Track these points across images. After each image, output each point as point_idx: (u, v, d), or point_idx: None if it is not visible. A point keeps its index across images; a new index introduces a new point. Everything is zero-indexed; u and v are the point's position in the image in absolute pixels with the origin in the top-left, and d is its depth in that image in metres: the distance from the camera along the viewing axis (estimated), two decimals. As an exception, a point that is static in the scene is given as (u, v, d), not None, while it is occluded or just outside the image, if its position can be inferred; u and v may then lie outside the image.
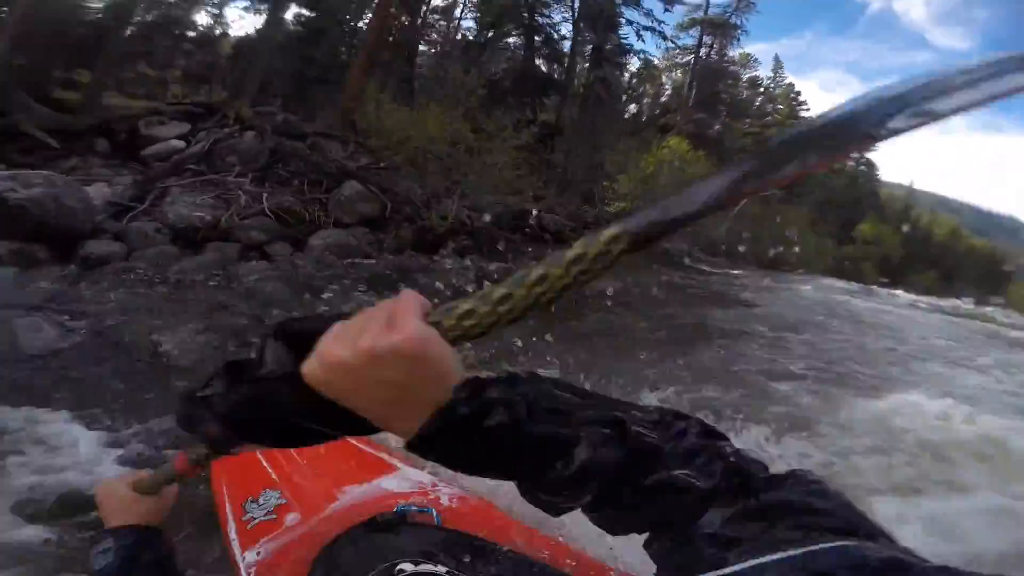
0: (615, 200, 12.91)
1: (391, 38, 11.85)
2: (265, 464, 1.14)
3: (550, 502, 0.38)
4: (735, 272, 12.05)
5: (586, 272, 0.34)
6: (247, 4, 14.83)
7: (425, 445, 0.34)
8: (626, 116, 20.81)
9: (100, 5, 9.32)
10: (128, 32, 9.63)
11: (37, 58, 6.48)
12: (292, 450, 1.11)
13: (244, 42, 12.48)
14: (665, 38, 18.86)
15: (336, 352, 0.33)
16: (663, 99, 23.04)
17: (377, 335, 0.32)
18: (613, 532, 0.40)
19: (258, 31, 11.65)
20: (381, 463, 1.10)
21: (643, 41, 18.03)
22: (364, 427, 0.36)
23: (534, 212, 10.55)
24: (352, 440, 1.18)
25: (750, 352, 4.38)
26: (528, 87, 16.00)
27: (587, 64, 16.70)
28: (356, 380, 0.33)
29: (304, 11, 13.18)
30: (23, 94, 5.74)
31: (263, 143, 7.13)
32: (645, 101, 23.01)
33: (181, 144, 6.85)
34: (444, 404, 0.33)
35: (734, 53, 22.75)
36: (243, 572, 0.88)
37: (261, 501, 1.04)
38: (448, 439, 0.34)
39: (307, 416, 0.36)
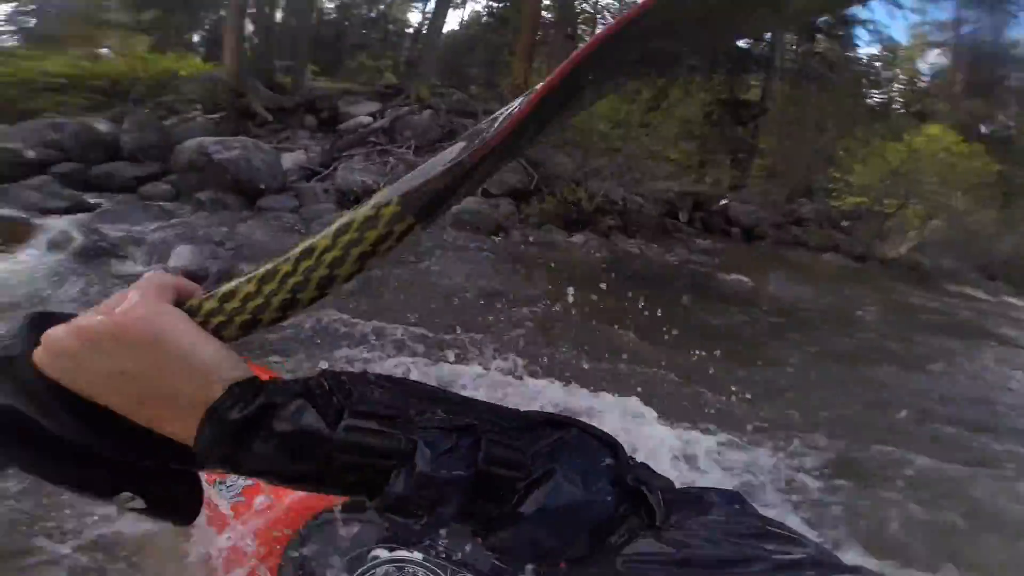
0: (847, 194, 10.23)
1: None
2: None
3: (402, 522, 0.32)
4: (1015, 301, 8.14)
5: (360, 244, 0.32)
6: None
7: (204, 452, 0.30)
8: (868, 101, 17.14)
9: (332, 6, 10.91)
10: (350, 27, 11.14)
11: (268, 50, 7.94)
12: None
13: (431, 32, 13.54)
14: (899, 6, 15.12)
15: (58, 332, 0.31)
16: (921, 84, 18.49)
17: (101, 316, 0.30)
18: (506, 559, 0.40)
19: (429, 22, 12.44)
20: None
21: (871, 12, 14.66)
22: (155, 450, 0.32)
23: (722, 201, 9.29)
24: None
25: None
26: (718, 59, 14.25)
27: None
28: (79, 364, 0.30)
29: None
30: (254, 79, 7.05)
31: (437, 119, 7.60)
32: (895, 87, 18.76)
33: (368, 119, 7.62)
34: (210, 405, 0.30)
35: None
36: (214, 556, 0.88)
37: (228, 483, 1.00)
38: (226, 447, 0.30)
39: (43, 408, 0.30)
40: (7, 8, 15.89)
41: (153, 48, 12.93)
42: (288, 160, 6.04)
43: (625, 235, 6.27)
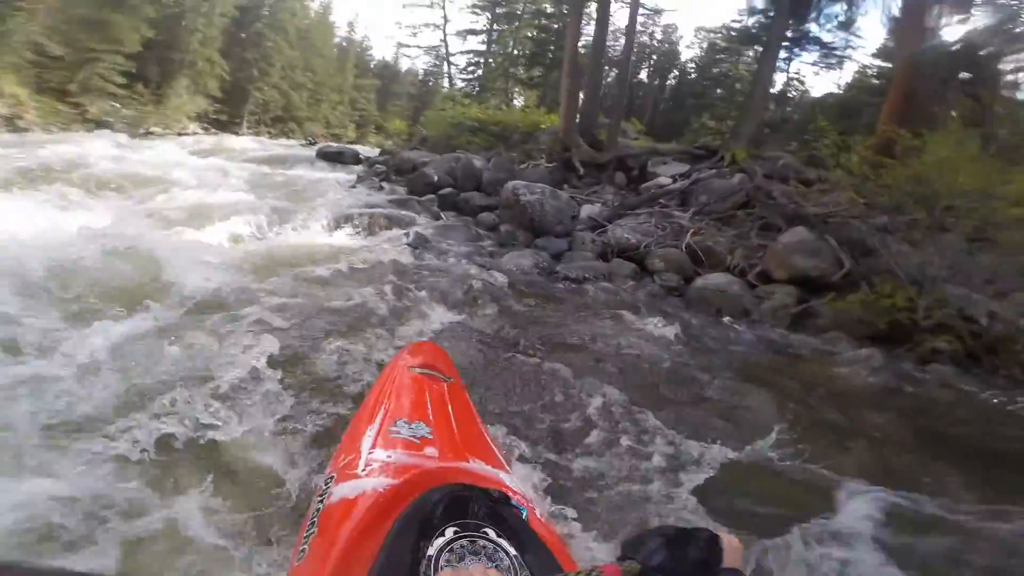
0: None
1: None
2: (428, 403, 1.32)
3: None
4: None
5: None
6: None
7: None
8: None
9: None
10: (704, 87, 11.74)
11: (593, 110, 9.23)
12: (451, 407, 1.33)
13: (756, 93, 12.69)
14: None
15: None
16: None
17: None
18: None
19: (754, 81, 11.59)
20: (499, 463, 1.19)
21: None
22: None
23: None
24: (487, 436, 1.34)
25: None
26: None
27: None
28: None
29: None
30: (578, 136, 8.43)
31: (746, 184, 7.30)
32: None
33: (668, 180, 8.09)
34: None
35: None
36: (362, 459, 1.05)
37: (412, 425, 1.18)
38: None
39: None
40: (464, 60, 22.68)
41: (539, 102, 16.52)
42: (586, 211, 7.08)
43: (956, 365, 4.21)
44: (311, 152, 16.18)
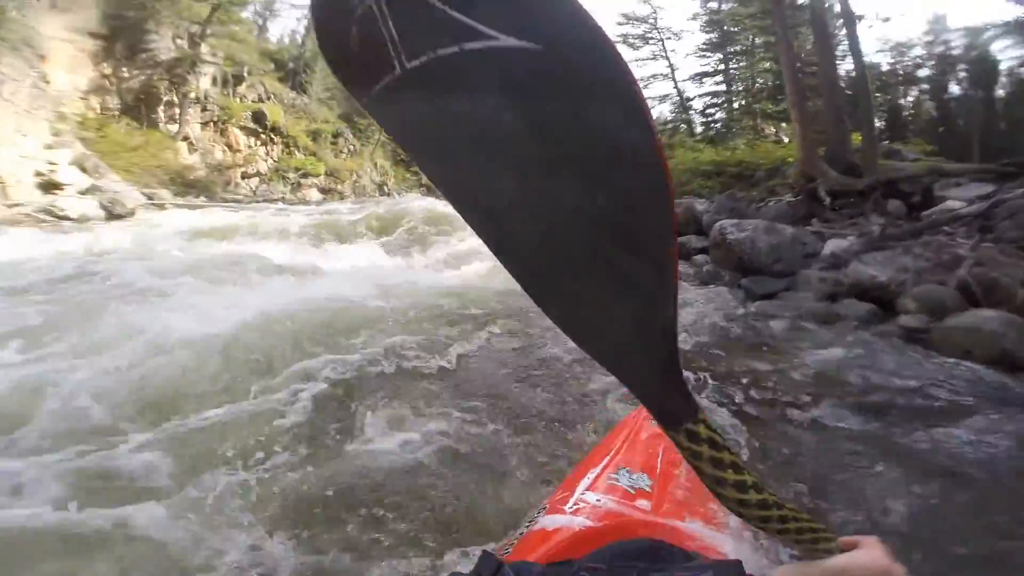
0: None
1: None
2: (660, 457, 1.28)
3: None
4: None
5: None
6: None
7: None
8: None
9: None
10: None
11: (842, 132, 7.62)
12: (686, 464, 1.47)
13: None
14: None
15: None
16: None
17: None
18: None
19: None
20: (730, 525, 1.12)
21: None
22: None
23: None
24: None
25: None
26: None
27: None
28: None
29: None
30: (821, 163, 7.12)
31: None
32: None
33: (959, 204, 6.22)
34: None
35: None
36: (574, 497, 1.07)
37: (634, 476, 1.17)
38: None
39: None
40: (701, 103, 21.87)
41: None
42: (832, 246, 6.04)
43: None
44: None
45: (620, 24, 24.15)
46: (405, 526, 1.70)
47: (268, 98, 22.80)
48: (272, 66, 25.48)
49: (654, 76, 23.57)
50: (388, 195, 23.86)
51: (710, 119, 21.20)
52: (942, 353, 3.50)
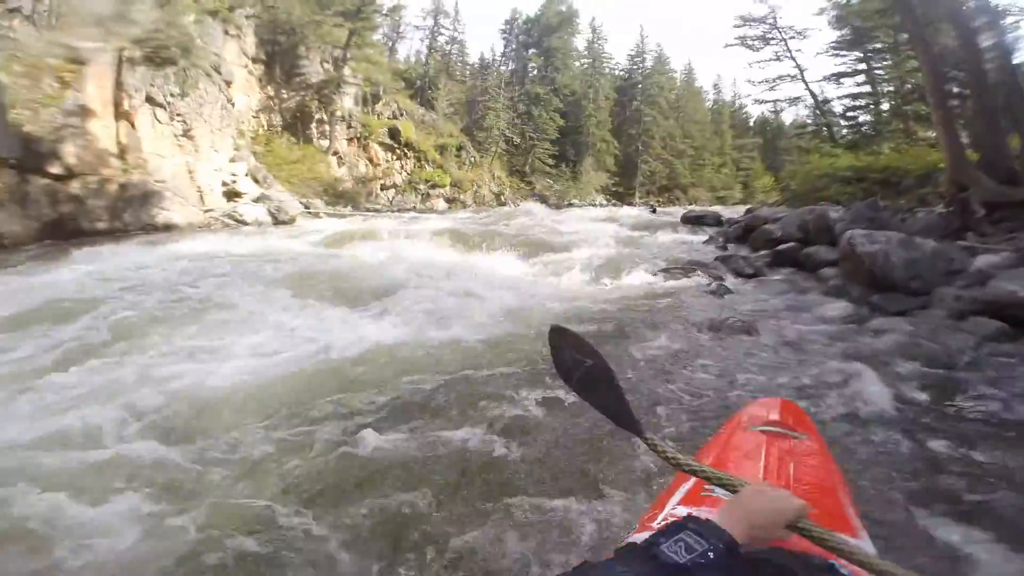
0: None
1: None
2: (762, 460, 1.22)
3: None
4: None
5: None
6: None
7: None
8: None
9: None
10: None
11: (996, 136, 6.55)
12: (792, 466, 1.20)
13: None
14: None
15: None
16: None
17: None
18: None
19: None
20: (848, 523, 1.07)
21: None
22: None
23: None
24: (841, 499, 1.18)
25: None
26: None
27: None
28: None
29: None
30: (975, 171, 6.26)
31: None
32: None
33: None
34: None
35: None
36: (663, 512, 1.05)
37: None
38: None
39: None
40: (841, 105, 19.79)
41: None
42: (982, 262, 5.45)
43: None
44: (677, 218, 17.57)
45: (737, 27, 22.91)
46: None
47: (401, 115, 25.09)
48: (403, 84, 27.98)
49: (780, 77, 21.97)
50: (504, 204, 24.99)
51: (853, 122, 19.20)
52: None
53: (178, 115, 12.20)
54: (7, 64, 9.79)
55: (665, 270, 6.61)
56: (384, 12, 25.69)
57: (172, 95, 12.07)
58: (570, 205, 31.46)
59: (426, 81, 31.00)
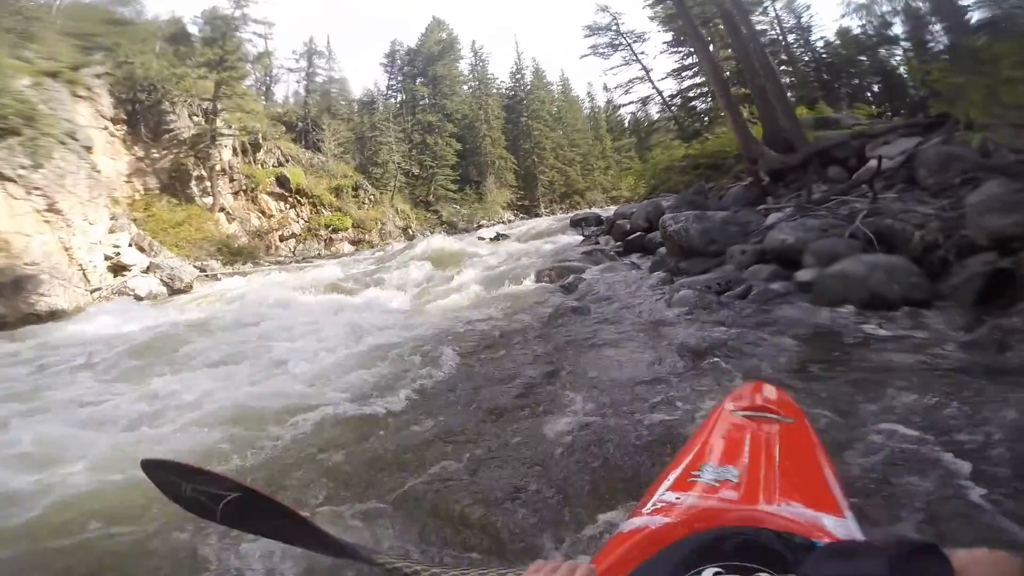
0: None
1: None
2: (747, 445, 1.26)
3: None
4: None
5: None
6: None
7: None
8: None
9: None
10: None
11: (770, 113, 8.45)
12: (779, 449, 1.24)
13: None
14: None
15: None
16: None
17: None
18: None
19: None
20: (833, 507, 1.06)
21: None
22: None
23: None
24: (829, 478, 1.19)
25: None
26: None
27: None
28: None
29: None
30: (759, 145, 8.01)
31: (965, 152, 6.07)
32: None
33: (879, 161, 7.00)
34: None
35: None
36: (652, 502, 1.09)
37: (719, 469, 1.14)
38: None
39: None
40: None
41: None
42: (770, 220, 6.89)
43: None
44: (566, 222, 18.86)
45: (587, 36, 25.07)
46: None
47: (287, 161, 24.88)
48: (284, 129, 27.71)
49: (631, 81, 24.43)
50: (412, 237, 25.45)
51: (694, 113, 21.75)
52: (819, 303, 4.16)
53: (35, 188, 11.57)
54: None
55: (539, 273, 7.57)
56: (250, 60, 25.44)
57: (23, 167, 11.46)
58: (480, 226, 32.19)
59: (308, 123, 30.85)
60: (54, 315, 10.57)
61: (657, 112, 25.67)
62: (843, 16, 22.76)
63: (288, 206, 23.69)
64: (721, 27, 11.68)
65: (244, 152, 23.30)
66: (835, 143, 8.47)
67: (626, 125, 46.47)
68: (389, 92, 39.08)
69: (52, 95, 15.02)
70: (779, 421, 1.38)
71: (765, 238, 5.94)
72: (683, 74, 22.00)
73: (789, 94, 11.18)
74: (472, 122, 39.42)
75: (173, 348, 5.15)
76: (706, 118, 20.06)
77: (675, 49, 21.73)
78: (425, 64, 38.08)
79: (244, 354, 4.73)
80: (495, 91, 44.11)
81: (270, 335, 5.42)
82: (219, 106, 22.11)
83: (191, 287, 13.36)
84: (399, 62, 38.84)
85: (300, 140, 28.91)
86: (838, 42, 18.18)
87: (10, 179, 11.20)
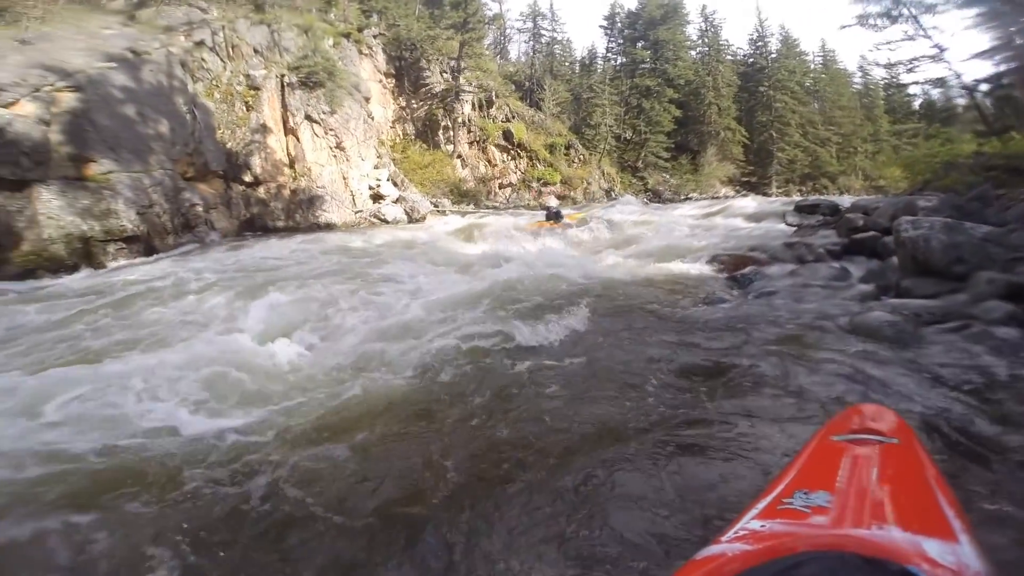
0: None
1: None
2: (844, 470, 1.22)
3: None
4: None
5: None
6: None
7: None
8: None
9: None
10: None
11: None
12: (877, 471, 1.21)
13: None
14: None
15: None
16: None
17: None
18: None
19: None
20: (940, 531, 0.98)
21: None
22: None
23: None
24: (939, 500, 1.12)
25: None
26: None
27: None
28: None
29: None
30: None
31: None
32: None
33: None
34: None
35: None
36: (735, 529, 1.04)
37: (810, 496, 1.10)
38: None
39: None
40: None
41: None
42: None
43: None
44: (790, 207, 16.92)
45: (853, 2, 20.62)
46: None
47: (513, 117, 26.99)
48: (513, 87, 29.83)
49: (915, 59, 19.54)
50: (614, 199, 25.76)
51: (1011, 102, 16.70)
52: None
53: (331, 130, 14.96)
54: (210, 91, 12.97)
55: (713, 257, 7.18)
56: (487, 21, 27.67)
57: (324, 113, 14.80)
58: (687, 199, 30.87)
59: (533, 82, 32.51)
60: (329, 227, 13.79)
61: (957, 98, 20.38)
62: None
63: (509, 158, 25.95)
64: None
65: (480, 107, 25.95)
66: None
67: (915, 108, 38.38)
68: (608, 55, 38.44)
69: (345, 53, 18.78)
70: (881, 443, 1.34)
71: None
72: (996, 56, 16.95)
73: None
74: (697, 88, 36.63)
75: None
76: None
77: (989, 25, 16.77)
78: (646, 28, 36.34)
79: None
80: (728, 58, 40.04)
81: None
82: (462, 64, 24.90)
83: (425, 218, 16.06)
84: (619, 24, 37.68)
85: (525, 99, 30.78)
86: None
87: (316, 121, 14.58)
